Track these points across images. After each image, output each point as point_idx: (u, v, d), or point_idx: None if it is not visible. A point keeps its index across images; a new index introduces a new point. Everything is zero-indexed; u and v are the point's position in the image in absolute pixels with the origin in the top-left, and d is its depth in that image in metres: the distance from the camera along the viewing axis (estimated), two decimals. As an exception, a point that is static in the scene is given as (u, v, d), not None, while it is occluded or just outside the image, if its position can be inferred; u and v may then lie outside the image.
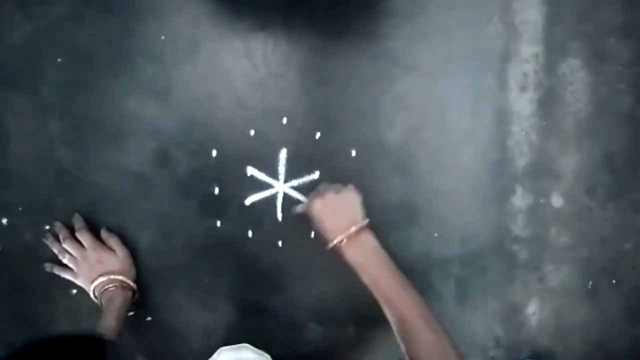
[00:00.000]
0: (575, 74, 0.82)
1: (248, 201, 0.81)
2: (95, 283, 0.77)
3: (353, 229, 0.70)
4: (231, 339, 0.82)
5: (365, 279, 0.69)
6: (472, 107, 0.81)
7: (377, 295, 0.68)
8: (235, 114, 0.80)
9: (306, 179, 0.81)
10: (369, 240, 0.72)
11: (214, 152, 0.80)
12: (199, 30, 0.78)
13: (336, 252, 0.72)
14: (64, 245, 0.79)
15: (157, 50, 0.78)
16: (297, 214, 0.78)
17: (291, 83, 0.80)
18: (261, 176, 0.81)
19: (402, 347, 0.65)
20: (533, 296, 0.87)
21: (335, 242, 0.71)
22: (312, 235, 0.82)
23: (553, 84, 0.82)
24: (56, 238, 0.80)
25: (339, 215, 0.72)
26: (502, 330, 0.88)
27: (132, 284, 0.79)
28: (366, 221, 0.72)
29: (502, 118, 0.82)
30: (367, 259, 0.70)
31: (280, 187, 0.82)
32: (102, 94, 0.79)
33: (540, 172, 0.84)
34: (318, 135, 0.81)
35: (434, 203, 0.83)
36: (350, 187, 0.75)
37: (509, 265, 0.86)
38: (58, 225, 0.80)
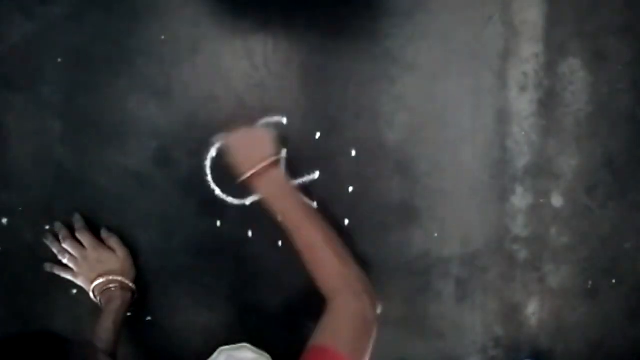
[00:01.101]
0: (575, 74, 0.82)
1: (248, 201, 0.81)
2: (95, 283, 0.77)
3: (264, 163, 0.73)
4: (231, 339, 0.82)
5: (276, 209, 0.73)
6: (472, 107, 0.81)
7: (287, 225, 0.72)
8: (235, 114, 0.80)
9: (306, 179, 0.81)
10: (279, 174, 0.76)
11: (214, 152, 0.80)
12: (199, 30, 0.78)
13: (248, 185, 0.75)
14: (64, 245, 0.79)
15: (157, 50, 0.78)
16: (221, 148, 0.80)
17: (291, 83, 0.80)
18: (261, 176, 0.81)
19: (310, 273, 0.69)
20: (533, 296, 0.87)
21: (247, 175, 0.74)
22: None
23: (553, 84, 0.82)
24: (56, 238, 0.80)
25: (251, 151, 0.75)
26: (502, 330, 0.88)
27: (131, 284, 0.79)
28: (277, 157, 0.75)
29: (502, 118, 0.82)
30: (276, 191, 0.74)
31: (280, 187, 0.81)
32: (102, 94, 0.79)
33: (540, 172, 0.84)
34: (318, 135, 0.81)
35: (434, 203, 0.83)
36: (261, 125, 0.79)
37: (509, 265, 0.86)
38: (58, 225, 0.80)
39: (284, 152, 0.81)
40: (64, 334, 0.46)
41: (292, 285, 0.84)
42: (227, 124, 0.78)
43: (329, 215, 0.80)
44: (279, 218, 0.73)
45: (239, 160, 0.75)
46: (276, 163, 0.75)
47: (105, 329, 0.72)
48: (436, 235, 0.84)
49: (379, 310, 0.67)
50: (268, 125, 0.80)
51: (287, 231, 0.72)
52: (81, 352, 0.46)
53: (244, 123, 0.78)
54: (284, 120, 0.80)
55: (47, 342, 0.45)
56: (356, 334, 0.63)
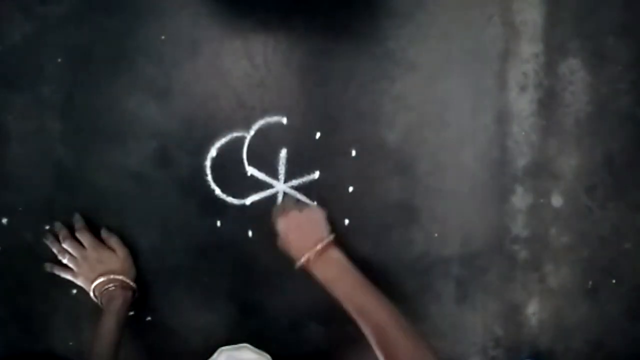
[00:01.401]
0: (575, 74, 0.82)
1: (248, 201, 0.81)
2: (96, 283, 0.77)
3: (319, 246, 0.71)
4: (231, 339, 0.82)
5: (337, 294, 0.70)
6: (472, 107, 0.81)
7: (350, 310, 0.68)
8: (235, 114, 0.80)
9: (306, 179, 0.81)
10: (336, 255, 0.73)
11: (214, 152, 0.80)
12: (199, 30, 0.78)
13: (305, 271, 0.72)
14: (64, 245, 0.79)
15: (157, 50, 0.78)
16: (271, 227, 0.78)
17: (291, 83, 0.80)
18: (261, 176, 0.81)
19: (380, 355, 0.65)
20: (533, 296, 0.87)
21: (302, 260, 0.71)
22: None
23: (553, 84, 0.82)
24: (56, 238, 0.80)
25: (304, 233, 0.73)
26: (502, 330, 0.88)
27: (132, 283, 0.79)
28: (331, 237, 0.73)
29: (502, 118, 0.82)
30: (336, 274, 0.71)
31: (280, 187, 0.82)
32: (102, 94, 0.79)
33: (540, 172, 0.84)
34: (318, 135, 0.81)
35: (434, 203, 0.83)
36: (314, 205, 0.77)
37: (509, 265, 0.86)
38: (58, 225, 0.80)
39: (283, 152, 0.81)
40: (64, 356, 0.45)
41: (292, 285, 0.84)
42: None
43: (328, 217, 0.80)
44: (341, 301, 0.69)
45: (292, 244, 0.73)
46: (332, 244, 0.73)
47: (107, 329, 0.72)
48: (436, 235, 0.84)
49: None
50: (269, 125, 0.80)
51: (351, 314, 0.68)
52: None
53: (292, 205, 0.76)
54: (284, 120, 0.80)
55: None
56: None
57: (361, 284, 0.70)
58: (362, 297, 0.69)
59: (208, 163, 0.80)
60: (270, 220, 0.78)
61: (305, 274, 0.73)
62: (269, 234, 0.82)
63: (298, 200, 0.78)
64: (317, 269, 0.71)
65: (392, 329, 0.65)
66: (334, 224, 0.77)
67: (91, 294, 0.78)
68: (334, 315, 0.85)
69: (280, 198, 0.82)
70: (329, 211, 0.81)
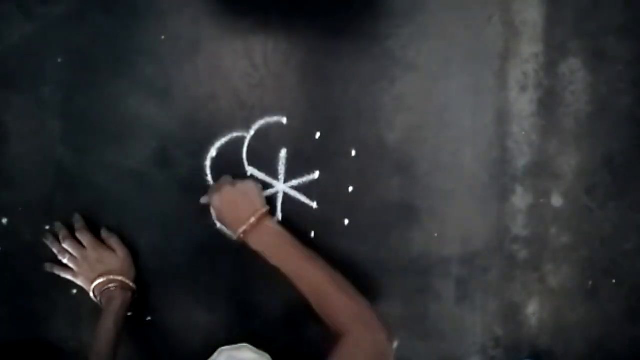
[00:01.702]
0: (575, 74, 0.82)
1: (248, 201, 0.81)
2: (96, 283, 0.77)
3: (253, 218, 0.73)
4: (231, 339, 0.82)
5: (274, 262, 0.72)
6: (472, 107, 0.81)
7: (289, 276, 0.71)
8: (235, 114, 0.80)
9: (306, 179, 0.81)
10: (271, 225, 0.75)
11: (215, 152, 0.80)
12: (199, 30, 0.78)
13: (242, 243, 0.74)
14: (64, 245, 0.79)
15: (157, 50, 0.78)
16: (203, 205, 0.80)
17: (291, 83, 0.80)
18: (261, 176, 0.81)
19: (320, 315, 0.68)
20: (533, 296, 0.87)
21: (239, 232, 0.73)
22: (312, 235, 0.82)
23: (553, 84, 0.82)
24: (56, 238, 0.80)
25: (238, 207, 0.74)
26: (502, 330, 0.88)
27: (131, 284, 0.79)
28: (266, 208, 0.75)
29: (502, 118, 0.82)
30: (271, 244, 0.73)
31: (280, 187, 0.82)
32: (102, 94, 0.79)
33: (540, 172, 0.84)
34: (318, 135, 0.81)
35: (434, 203, 0.83)
36: (248, 179, 0.77)
37: (509, 265, 0.86)
38: (58, 225, 0.80)
39: (283, 152, 0.81)
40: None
41: (292, 285, 0.84)
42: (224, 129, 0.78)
43: (328, 217, 0.81)
44: (279, 269, 0.72)
45: (227, 220, 0.74)
46: (266, 214, 0.74)
47: (106, 330, 0.72)
48: (436, 235, 0.84)
49: (395, 345, 0.66)
50: (269, 125, 0.80)
51: (290, 279, 0.71)
52: None
53: (225, 182, 0.76)
54: (284, 120, 0.80)
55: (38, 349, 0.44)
56: None
57: (297, 250, 0.73)
58: (299, 263, 0.71)
59: (208, 163, 0.80)
60: (206, 198, 0.78)
61: (243, 246, 0.74)
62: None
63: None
64: (253, 240, 0.73)
65: (329, 289, 0.68)
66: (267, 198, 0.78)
67: (91, 294, 0.78)
68: (334, 315, 0.86)
69: (280, 198, 0.82)
70: (329, 211, 0.82)
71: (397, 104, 0.81)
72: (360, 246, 0.82)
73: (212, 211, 0.78)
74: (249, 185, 0.75)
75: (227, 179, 0.77)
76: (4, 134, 0.79)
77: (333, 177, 0.81)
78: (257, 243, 0.73)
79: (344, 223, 0.82)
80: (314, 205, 0.82)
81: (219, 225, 0.81)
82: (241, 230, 0.73)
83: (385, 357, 0.64)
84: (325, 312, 0.68)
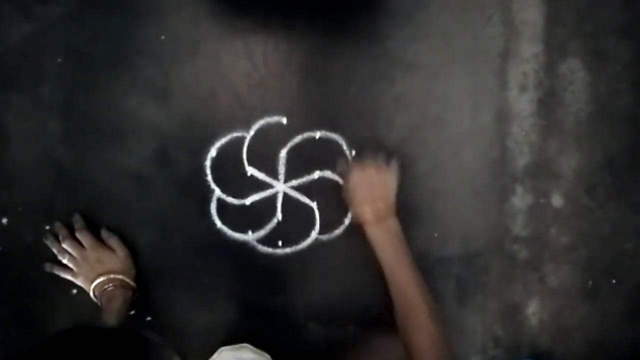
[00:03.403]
0: (575, 74, 0.82)
1: (248, 201, 0.81)
2: (95, 283, 0.77)
3: (383, 207, 0.73)
4: (231, 339, 0.82)
5: (383, 261, 0.71)
6: (472, 107, 0.81)
7: (389, 279, 0.70)
8: (235, 114, 0.80)
9: (306, 179, 0.81)
10: (394, 223, 0.74)
11: (214, 152, 0.80)
12: (199, 30, 0.78)
13: (357, 227, 0.74)
14: (64, 245, 0.79)
15: (157, 50, 0.78)
16: (338, 172, 0.80)
17: (291, 83, 0.80)
18: (261, 176, 0.81)
19: (402, 336, 0.67)
20: (533, 296, 0.87)
21: (361, 216, 0.72)
22: (312, 235, 0.82)
23: (553, 84, 0.82)
24: (56, 238, 0.80)
25: (373, 192, 0.73)
26: (502, 330, 0.88)
27: (132, 283, 0.79)
28: (395, 206, 0.75)
29: (502, 118, 0.82)
30: (390, 241, 0.72)
31: (280, 187, 0.82)
32: (102, 94, 0.79)
33: (540, 172, 0.84)
34: (318, 135, 0.81)
35: (434, 203, 0.83)
36: (392, 168, 0.77)
37: (509, 265, 0.86)
38: (58, 225, 0.80)
39: (283, 152, 0.81)
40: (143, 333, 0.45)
41: (292, 285, 0.84)
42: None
43: (328, 217, 0.81)
44: (384, 267, 0.71)
45: (358, 197, 0.74)
46: (393, 211, 0.74)
47: (106, 329, 0.72)
48: (436, 235, 0.84)
49: None
50: (269, 125, 0.80)
51: (389, 285, 0.70)
52: (160, 352, 0.45)
53: (371, 162, 0.76)
54: (284, 120, 0.80)
55: (127, 339, 0.44)
56: None
57: (408, 260, 0.72)
58: (405, 273, 0.70)
59: (208, 163, 0.80)
60: (343, 167, 0.79)
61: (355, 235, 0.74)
62: (269, 234, 0.82)
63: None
64: (373, 230, 0.73)
65: (422, 312, 0.67)
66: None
67: (91, 294, 0.78)
68: (334, 316, 0.86)
69: (280, 198, 0.82)
70: (329, 211, 0.82)
71: (397, 104, 0.81)
72: (360, 246, 0.82)
73: (346, 183, 0.77)
74: (391, 177, 0.76)
75: (372, 161, 0.76)
76: (4, 134, 0.79)
77: (333, 177, 0.81)
78: (375, 234, 0.73)
79: (344, 223, 0.82)
80: (314, 205, 0.82)
81: (219, 225, 0.81)
82: (367, 213, 0.72)
83: None
84: (409, 330, 0.66)
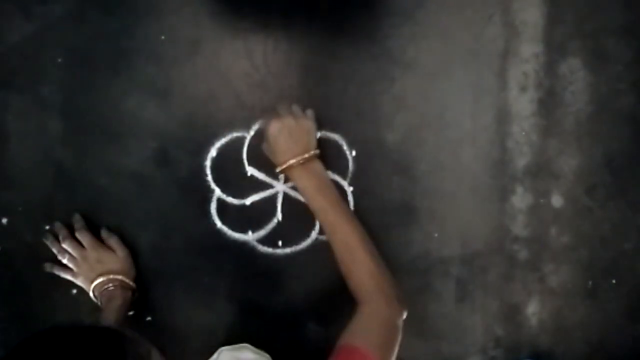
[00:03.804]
0: (575, 74, 0.82)
1: (248, 201, 0.81)
2: (95, 283, 0.77)
3: (307, 154, 0.73)
4: (231, 339, 0.82)
5: (315, 204, 0.73)
6: (472, 107, 0.81)
7: (324, 221, 0.73)
8: (235, 114, 0.80)
9: (306, 179, 0.81)
10: (319, 168, 0.75)
11: (214, 152, 0.80)
12: (199, 30, 0.78)
13: (285, 174, 0.75)
14: (64, 245, 0.79)
15: (157, 50, 0.78)
16: (259, 129, 0.80)
17: (291, 83, 0.80)
18: (261, 176, 0.81)
19: (343, 272, 0.70)
20: (533, 296, 0.87)
21: (288, 163, 0.73)
22: (312, 235, 0.82)
23: (553, 84, 0.82)
24: (56, 238, 0.80)
25: (295, 140, 0.73)
26: (502, 330, 0.88)
27: (131, 283, 0.79)
28: (317, 151, 0.75)
29: (502, 118, 0.82)
30: (318, 185, 0.73)
31: (280, 187, 0.82)
32: (102, 94, 0.79)
33: (540, 172, 0.84)
34: (318, 135, 0.80)
35: (434, 203, 0.83)
36: (308, 114, 0.77)
37: (509, 265, 0.86)
38: (58, 225, 0.80)
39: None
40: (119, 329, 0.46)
41: (293, 285, 0.84)
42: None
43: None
44: (316, 213, 0.73)
45: (280, 147, 0.74)
46: (317, 156, 0.75)
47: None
48: (436, 235, 0.84)
49: (404, 316, 0.68)
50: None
51: (323, 227, 0.73)
52: (137, 348, 0.45)
53: (287, 112, 0.75)
54: (284, 120, 0.80)
55: (104, 335, 0.44)
56: (386, 339, 0.64)
57: (337, 200, 0.73)
58: (336, 213, 0.72)
59: (208, 163, 0.80)
60: (261, 121, 0.79)
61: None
62: (269, 234, 0.82)
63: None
64: (299, 177, 0.74)
65: (360, 250, 0.70)
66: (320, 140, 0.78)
67: (91, 294, 0.78)
68: (333, 315, 0.86)
69: (280, 198, 0.82)
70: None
71: (396, 104, 0.81)
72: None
73: (265, 136, 0.76)
74: (310, 124, 0.76)
75: (287, 108, 0.76)
76: (4, 134, 0.79)
77: (333, 177, 0.81)
78: (301, 180, 0.74)
79: (344, 223, 0.82)
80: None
81: (219, 225, 0.81)
82: (291, 161, 0.72)
83: (396, 334, 0.66)
84: (350, 272, 0.69)
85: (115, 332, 0.45)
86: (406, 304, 0.69)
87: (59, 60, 0.78)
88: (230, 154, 0.80)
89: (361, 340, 0.62)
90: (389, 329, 0.66)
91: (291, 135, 0.73)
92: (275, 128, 0.73)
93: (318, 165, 0.75)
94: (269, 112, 0.77)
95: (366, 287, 0.68)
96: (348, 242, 0.71)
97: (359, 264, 0.69)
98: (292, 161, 0.73)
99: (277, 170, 0.75)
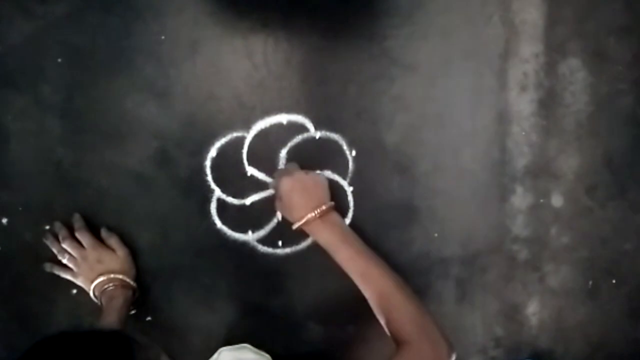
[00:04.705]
0: (575, 74, 0.82)
1: (248, 201, 0.81)
2: (95, 282, 0.77)
3: (324, 207, 0.72)
4: (231, 339, 0.82)
5: (340, 257, 0.70)
6: (472, 107, 0.81)
7: (353, 273, 0.70)
8: (235, 114, 0.80)
9: (306, 179, 0.81)
10: (338, 220, 0.74)
11: (214, 152, 0.80)
12: (199, 30, 0.78)
13: (302, 231, 0.73)
14: (64, 245, 0.79)
15: (157, 50, 0.78)
16: (271, 188, 0.79)
17: (291, 83, 0.80)
18: (261, 176, 0.81)
19: (383, 322, 0.67)
20: (533, 296, 0.87)
21: (306, 218, 0.71)
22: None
23: (553, 84, 0.82)
24: (56, 238, 0.80)
25: (308, 194, 0.72)
26: (502, 330, 0.88)
27: (132, 282, 0.79)
28: (332, 203, 0.74)
29: (502, 118, 0.82)
30: (340, 237, 0.72)
31: (280, 187, 0.81)
32: (102, 94, 0.79)
33: (540, 172, 0.84)
34: (318, 135, 0.81)
35: (434, 203, 0.83)
36: (317, 172, 0.77)
37: (509, 265, 0.86)
38: (58, 225, 0.80)
39: (283, 152, 0.81)
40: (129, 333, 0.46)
41: (292, 285, 0.84)
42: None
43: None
44: (343, 264, 0.71)
45: (295, 203, 0.72)
46: (332, 209, 0.73)
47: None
48: (436, 235, 0.84)
49: (453, 358, 0.64)
50: (269, 125, 0.80)
51: (353, 278, 0.70)
52: (147, 353, 0.45)
53: (295, 168, 0.76)
54: (284, 120, 0.80)
55: (113, 339, 0.44)
56: None
57: (363, 249, 0.71)
58: (365, 263, 0.70)
59: (208, 163, 0.80)
60: (272, 181, 0.78)
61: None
62: (269, 234, 0.82)
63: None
64: (319, 232, 0.72)
65: (395, 294, 0.67)
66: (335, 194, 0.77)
67: (91, 293, 0.78)
68: (333, 316, 0.86)
69: (280, 198, 0.82)
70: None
71: (396, 104, 0.81)
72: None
73: (278, 195, 0.75)
74: (321, 177, 0.75)
75: (295, 165, 0.76)
76: (4, 134, 0.79)
77: (333, 177, 0.81)
78: (321, 235, 0.72)
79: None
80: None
81: (219, 225, 0.81)
82: (309, 216, 0.71)
83: None
84: (388, 317, 0.66)
85: (123, 337, 0.45)
86: (451, 344, 0.64)
87: (59, 60, 0.78)
88: (230, 154, 0.80)
89: None
90: None
91: (305, 189, 0.72)
92: (287, 185, 0.73)
93: (336, 217, 0.74)
94: (278, 170, 0.77)
95: (409, 333, 0.64)
96: (382, 289, 0.68)
97: (397, 311, 0.66)
98: (309, 215, 0.71)
99: (295, 227, 0.73)
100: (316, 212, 0.71)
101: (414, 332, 0.64)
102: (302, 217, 0.72)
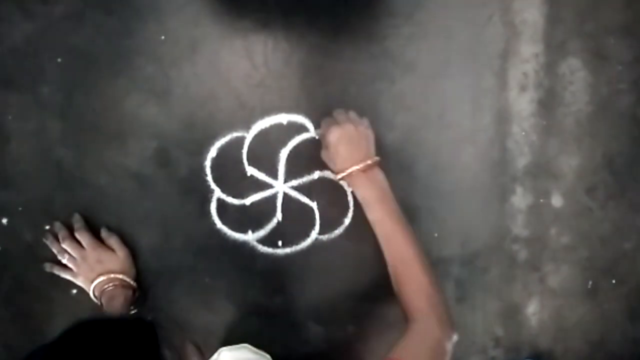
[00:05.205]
0: (575, 74, 0.82)
1: (248, 201, 0.81)
2: (95, 282, 0.77)
3: (369, 161, 0.71)
4: (231, 339, 0.82)
5: (372, 216, 0.71)
6: (472, 107, 0.81)
7: (380, 232, 0.70)
8: (235, 114, 0.80)
9: (306, 179, 0.81)
10: (380, 177, 0.73)
11: (214, 152, 0.80)
12: (199, 30, 0.78)
13: (346, 182, 0.73)
14: (63, 245, 0.79)
15: (157, 50, 0.78)
16: (318, 136, 0.78)
17: (291, 83, 0.80)
18: (261, 176, 0.81)
19: (395, 287, 0.68)
20: (533, 296, 0.87)
21: (350, 170, 0.71)
22: (312, 235, 0.82)
23: (553, 84, 0.82)
24: (56, 238, 0.80)
25: (355, 147, 0.72)
26: (502, 330, 0.88)
27: (132, 282, 0.79)
28: (377, 158, 0.73)
29: (502, 118, 0.82)
30: (377, 195, 0.71)
31: (280, 187, 0.82)
32: (102, 94, 0.79)
33: (540, 172, 0.84)
34: (318, 135, 0.81)
35: (434, 203, 0.83)
36: (365, 121, 0.75)
37: (509, 265, 0.86)
38: (58, 225, 0.80)
39: (283, 152, 0.81)
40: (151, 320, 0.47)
41: (292, 285, 0.84)
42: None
43: (328, 217, 0.80)
44: (373, 223, 0.71)
45: (342, 154, 0.72)
46: (377, 164, 0.73)
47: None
48: (436, 235, 0.84)
49: (454, 339, 0.65)
50: (269, 125, 0.80)
51: (379, 239, 0.70)
52: (172, 339, 0.47)
53: (346, 118, 0.74)
54: (284, 121, 0.80)
55: (138, 325, 0.45)
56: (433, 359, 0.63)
57: (397, 212, 0.71)
58: (392, 227, 0.70)
59: (208, 163, 0.80)
60: (319, 129, 0.77)
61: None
62: (269, 234, 0.82)
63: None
64: (360, 185, 0.72)
65: (414, 265, 0.67)
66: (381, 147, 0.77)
67: (91, 293, 0.78)
68: (334, 316, 0.86)
69: (280, 198, 0.82)
70: (329, 211, 0.82)
71: (397, 104, 0.81)
72: (360, 246, 0.82)
73: (324, 144, 0.74)
74: (369, 131, 0.74)
75: (344, 114, 0.74)
76: (4, 134, 0.79)
77: (333, 177, 0.81)
78: (362, 189, 0.71)
79: (344, 223, 0.82)
80: (314, 205, 0.82)
81: (219, 225, 0.82)
82: (353, 168, 0.70)
83: (445, 353, 0.63)
84: (402, 288, 0.67)
85: (148, 323, 0.46)
86: (455, 330, 0.65)
87: (59, 60, 0.78)
88: (230, 154, 0.80)
89: (410, 357, 0.60)
90: (439, 351, 0.63)
91: (351, 142, 0.72)
92: (335, 135, 0.72)
93: (379, 174, 0.73)
94: (327, 118, 0.76)
95: (419, 305, 0.65)
96: (403, 256, 0.68)
97: (413, 280, 0.66)
98: (353, 168, 0.71)
99: (338, 177, 0.73)
100: (360, 165, 0.71)
101: (424, 307, 0.65)
102: (346, 169, 0.71)
